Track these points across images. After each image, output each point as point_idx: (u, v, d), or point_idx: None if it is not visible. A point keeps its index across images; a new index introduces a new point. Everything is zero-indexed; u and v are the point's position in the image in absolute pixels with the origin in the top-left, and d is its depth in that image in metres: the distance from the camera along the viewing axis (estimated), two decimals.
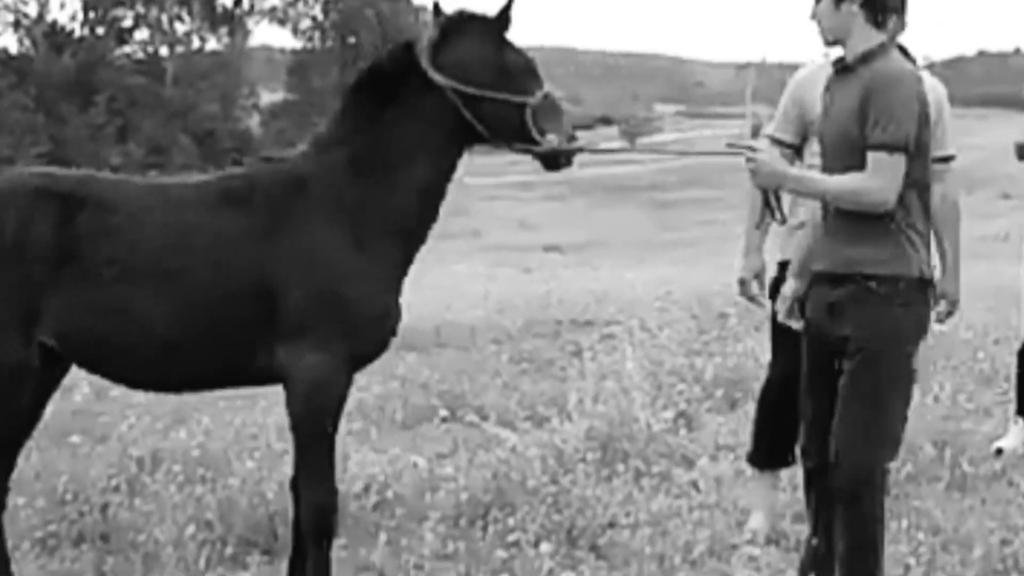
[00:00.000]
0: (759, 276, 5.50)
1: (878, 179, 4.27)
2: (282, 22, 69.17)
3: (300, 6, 69.07)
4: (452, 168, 4.75)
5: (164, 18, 68.13)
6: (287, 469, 5.97)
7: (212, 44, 69.41)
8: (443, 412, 7.49)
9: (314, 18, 69.30)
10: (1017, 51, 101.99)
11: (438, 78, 4.59)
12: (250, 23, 69.30)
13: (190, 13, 68.48)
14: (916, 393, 7.17)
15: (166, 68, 66.81)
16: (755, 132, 49.61)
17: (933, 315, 5.78)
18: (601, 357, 8.43)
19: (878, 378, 4.37)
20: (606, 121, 76.62)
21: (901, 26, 5.65)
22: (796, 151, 5.47)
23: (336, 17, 68.28)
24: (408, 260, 4.72)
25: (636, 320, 9.62)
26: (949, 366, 8.16)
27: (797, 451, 5.03)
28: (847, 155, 4.33)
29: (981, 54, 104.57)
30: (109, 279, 4.50)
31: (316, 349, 4.50)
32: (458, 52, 4.64)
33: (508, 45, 4.72)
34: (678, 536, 5.46)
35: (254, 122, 68.99)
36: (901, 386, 4.44)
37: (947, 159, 5.67)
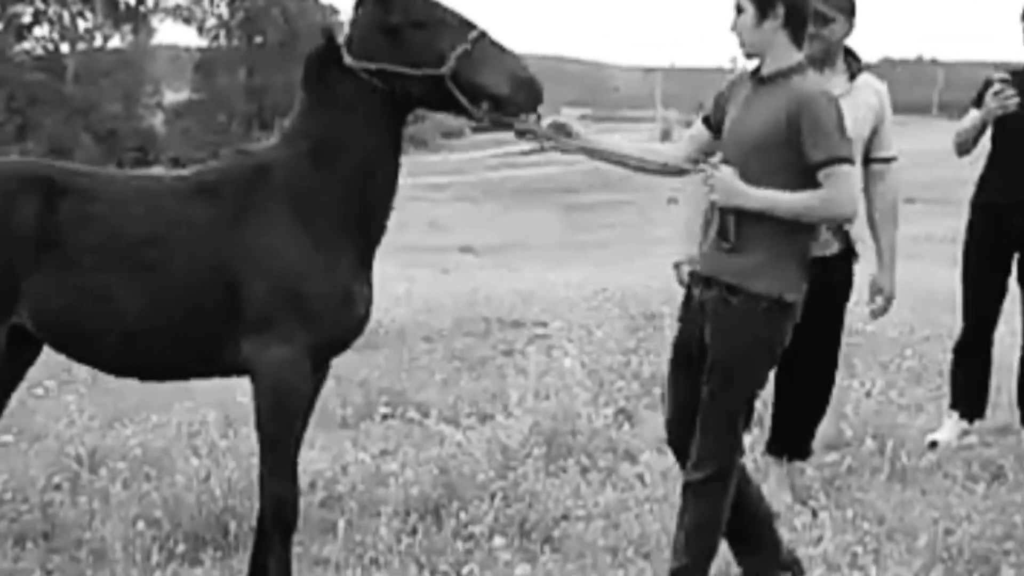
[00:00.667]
0: (693, 261, 5.59)
1: (838, 190, 4.43)
2: (187, 20, 68.33)
3: (205, 4, 68.29)
4: (395, 147, 4.63)
5: (65, 14, 66.92)
6: (232, 465, 5.97)
7: (115, 41, 68.34)
8: (383, 410, 7.48)
9: (220, 16, 68.55)
10: (920, 59, 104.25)
11: (347, 59, 4.51)
12: (154, 21, 68.41)
13: (92, 10, 67.34)
14: (851, 389, 7.39)
15: (67, 65, 65.63)
16: (664, 136, 50.11)
17: (867, 310, 5.97)
18: (537, 355, 8.46)
19: (733, 396, 4.58)
20: None
21: (850, 28, 5.78)
22: None
23: (242, 16, 67.63)
24: (370, 248, 4.71)
25: (567, 319, 9.71)
26: (877, 363, 8.32)
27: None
28: (759, 166, 4.46)
29: (885, 61, 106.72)
30: (85, 265, 4.54)
31: (280, 342, 4.51)
32: (357, 28, 4.56)
33: (401, 9, 4.45)
34: (630, 528, 5.52)
35: (158, 121, 68.05)
36: (751, 397, 4.66)
37: (889, 160, 5.81)
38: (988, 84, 6.67)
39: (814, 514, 5.68)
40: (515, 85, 4.40)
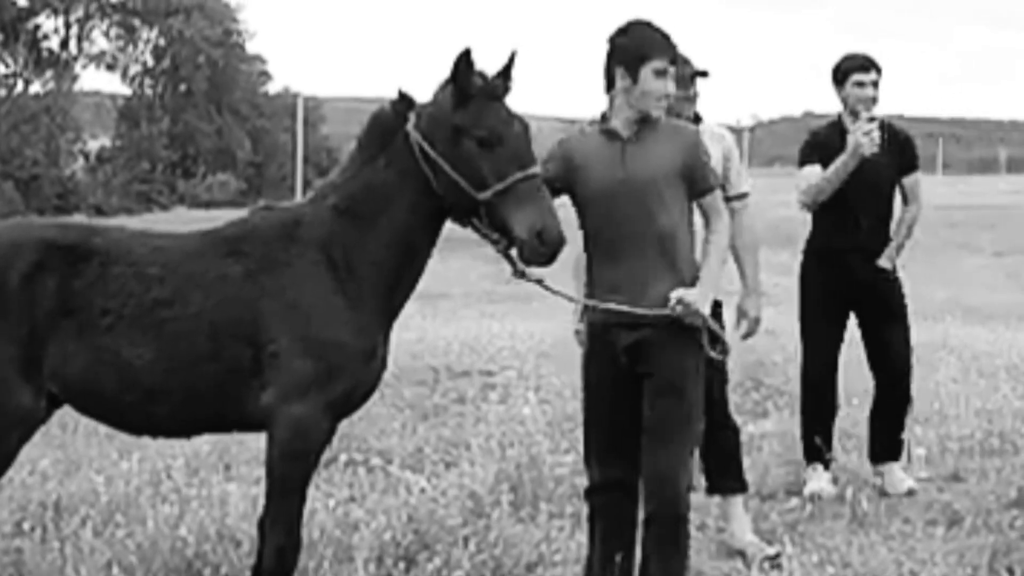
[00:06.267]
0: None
1: (724, 212, 5.11)
2: (111, 67, 67.71)
3: (130, 51, 67.74)
4: (434, 220, 4.67)
5: None
6: (203, 512, 5.97)
7: (36, 87, 67.50)
8: (345, 456, 7.49)
9: (144, 64, 68.04)
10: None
11: (410, 128, 4.57)
12: (77, 67, 67.70)
13: (13, 55, 66.55)
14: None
15: None
16: None
17: (738, 335, 6.24)
18: (492, 404, 8.54)
19: (687, 412, 4.95)
20: None
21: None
22: None
23: (168, 64, 67.19)
24: (393, 309, 4.75)
25: (517, 369, 9.81)
26: None
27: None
28: (656, 200, 4.92)
29: (807, 114, 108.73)
30: (107, 327, 4.55)
31: (300, 398, 4.54)
32: (431, 107, 4.61)
33: (471, 115, 4.48)
34: None
35: (79, 168, 67.20)
36: (700, 413, 5.04)
37: (743, 196, 6.21)
38: (813, 140, 7.06)
39: (777, 556, 5.84)
40: (536, 239, 4.44)
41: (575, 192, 5.07)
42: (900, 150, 7.03)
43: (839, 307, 7.08)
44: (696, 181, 5.01)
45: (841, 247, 6.96)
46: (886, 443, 7.09)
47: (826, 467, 7.01)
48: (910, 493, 6.83)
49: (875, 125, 6.67)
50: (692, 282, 4.94)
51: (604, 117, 5.06)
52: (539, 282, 4.84)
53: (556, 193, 4.95)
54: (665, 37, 4.98)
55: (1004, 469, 7.25)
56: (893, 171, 7.01)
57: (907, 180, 7.09)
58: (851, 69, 6.90)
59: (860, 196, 6.85)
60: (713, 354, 4.95)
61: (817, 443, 7.00)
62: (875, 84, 6.89)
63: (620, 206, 4.91)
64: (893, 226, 7.10)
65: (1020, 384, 9.32)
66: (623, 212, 4.91)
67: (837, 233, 6.96)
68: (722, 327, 5.66)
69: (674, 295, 4.84)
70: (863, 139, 6.62)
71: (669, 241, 4.95)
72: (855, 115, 6.84)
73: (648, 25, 5.01)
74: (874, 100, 6.88)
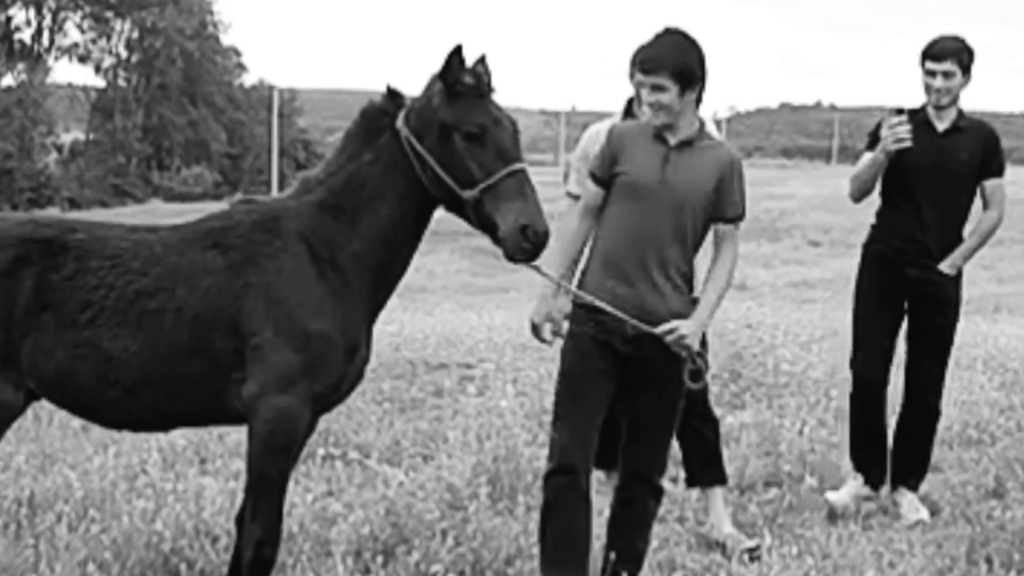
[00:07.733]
0: (551, 320, 5.48)
1: (736, 246, 5.09)
2: (84, 59, 67.36)
3: (103, 43, 67.38)
4: (420, 217, 4.65)
5: None
6: (179, 507, 5.93)
7: (8, 80, 67.08)
8: (322, 451, 7.46)
9: (118, 56, 67.71)
10: (818, 104, 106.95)
11: (400, 124, 4.55)
12: (50, 60, 67.33)
13: None
14: (783, 428, 7.55)
15: None
16: (567, 179, 50.51)
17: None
18: (469, 397, 8.52)
19: (677, 404, 5.07)
20: None
21: None
22: None
23: (141, 56, 66.87)
24: (377, 302, 4.73)
25: (495, 361, 9.80)
26: (806, 403, 8.49)
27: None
28: (689, 218, 4.95)
29: (783, 106, 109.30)
30: (88, 321, 4.51)
31: (282, 390, 4.51)
32: (420, 102, 4.58)
33: (460, 110, 4.47)
34: None
35: (52, 161, 66.87)
36: None
37: None
38: (881, 125, 6.51)
39: (757, 548, 5.83)
40: (520, 234, 4.42)
41: (615, 179, 5.04)
42: (982, 149, 6.55)
43: (894, 304, 6.67)
44: (721, 205, 4.99)
45: (901, 243, 6.58)
46: (906, 471, 6.66)
47: (866, 481, 6.64)
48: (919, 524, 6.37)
49: (903, 119, 6.33)
50: (685, 304, 4.97)
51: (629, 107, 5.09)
52: (536, 268, 4.78)
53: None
54: (652, 46, 4.97)
55: (982, 460, 7.30)
56: (970, 171, 6.55)
57: (987, 184, 6.60)
58: (922, 55, 6.48)
59: (924, 191, 6.47)
60: (692, 385, 5.00)
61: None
62: (946, 75, 6.39)
63: (651, 208, 4.92)
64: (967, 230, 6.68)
65: (997, 375, 9.38)
66: (652, 214, 4.92)
67: (898, 227, 6.60)
68: (705, 349, 5.50)
69: (669, 326, 4.87)
70: (887, 133, 6.33)
71: (680, 259, 4.97)
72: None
73: (660, 34, 5.01)
74: (947, 91, 6.43)
